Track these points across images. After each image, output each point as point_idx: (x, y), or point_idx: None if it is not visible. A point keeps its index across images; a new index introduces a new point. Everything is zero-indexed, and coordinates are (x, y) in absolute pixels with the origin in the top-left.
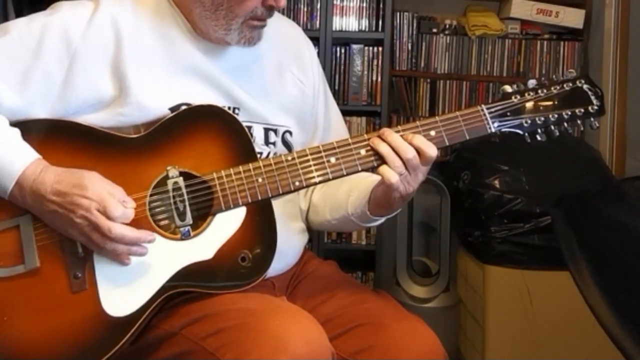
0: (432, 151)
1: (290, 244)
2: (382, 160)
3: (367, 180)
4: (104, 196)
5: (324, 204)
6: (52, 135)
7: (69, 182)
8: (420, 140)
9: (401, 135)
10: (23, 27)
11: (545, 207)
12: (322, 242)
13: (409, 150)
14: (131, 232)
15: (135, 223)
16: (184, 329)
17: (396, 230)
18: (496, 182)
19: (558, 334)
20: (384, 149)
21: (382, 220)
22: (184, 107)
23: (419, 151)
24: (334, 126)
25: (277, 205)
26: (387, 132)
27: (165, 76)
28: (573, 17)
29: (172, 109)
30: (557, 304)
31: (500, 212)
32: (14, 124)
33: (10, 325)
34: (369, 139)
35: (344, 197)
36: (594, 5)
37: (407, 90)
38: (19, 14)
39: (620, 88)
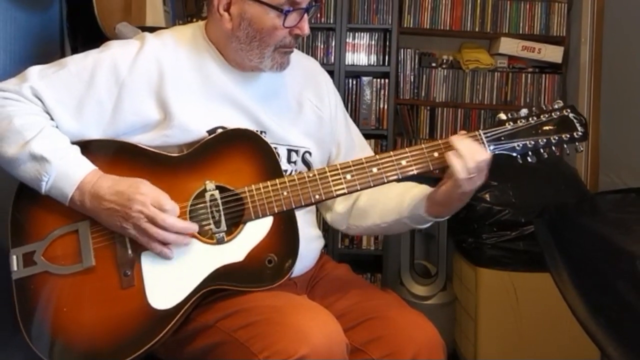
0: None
1: (309, 248)
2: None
3: (418, 187)
4: (157, 192)
5: (374, 210)
6: (108, 154)
7: (124, 184)
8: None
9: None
10: (79, 62)
11: (529, 217)
12: (337, 247)
13: (484, 156)
14: (181, 222)
15: None
16: (218, 322)
17: (400, 237)
18: (487, 195)
19: (540, 327)
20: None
21: (432, 222)
22: (219, 130)
23: None
24: (358, 145)
25: (298, 214)
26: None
27: (203, 103)
28: (553, 53)
29: (209, 132)
30: (540, 301)
31: (490, 221)
32: (74, 143)
33: (69, 316)
34: (442, 143)
35: (396, 201)
36: (572, 43)
37: (410, 116)
38: (74, 50)
39: (594, 114)
